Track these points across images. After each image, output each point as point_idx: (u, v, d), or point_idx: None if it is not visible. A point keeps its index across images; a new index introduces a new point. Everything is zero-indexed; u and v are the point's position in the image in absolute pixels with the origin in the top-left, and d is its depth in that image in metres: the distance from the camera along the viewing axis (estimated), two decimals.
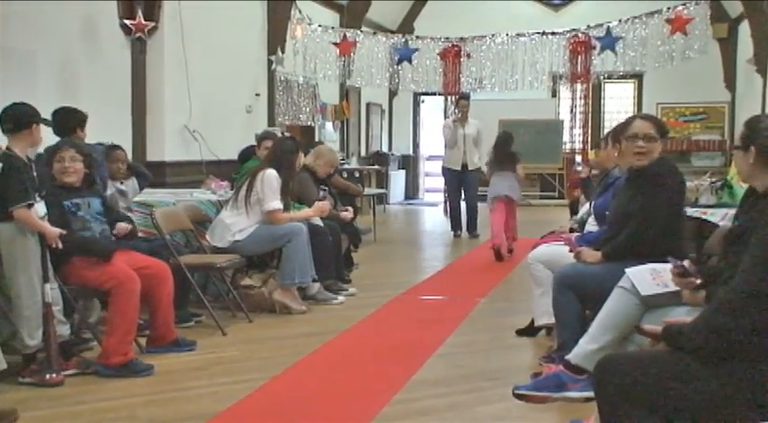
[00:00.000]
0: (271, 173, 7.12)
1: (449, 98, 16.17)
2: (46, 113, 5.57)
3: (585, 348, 4.01)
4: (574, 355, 4.06)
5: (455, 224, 13.00)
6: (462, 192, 12.83)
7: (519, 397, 4.07)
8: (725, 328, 2.62)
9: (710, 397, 2.63)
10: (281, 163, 7.28)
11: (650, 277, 3.89)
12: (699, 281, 3.40)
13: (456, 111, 12.99)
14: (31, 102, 5.35)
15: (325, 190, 8.52)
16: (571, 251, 5.13)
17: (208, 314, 6.50)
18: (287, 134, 8.98)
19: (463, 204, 12.89)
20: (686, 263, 3.47)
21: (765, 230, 2.69)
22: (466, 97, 13.09)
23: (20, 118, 5.18)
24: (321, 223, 7.68)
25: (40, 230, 5.05)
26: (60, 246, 5.12)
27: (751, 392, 2.61)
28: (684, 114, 18.87)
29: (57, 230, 5.11)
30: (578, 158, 16.30)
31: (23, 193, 4.96)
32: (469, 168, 12.70)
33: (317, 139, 13.99)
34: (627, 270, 4.01)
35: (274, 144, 7.68)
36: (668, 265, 3.61)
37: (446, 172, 13.08)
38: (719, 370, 2.64)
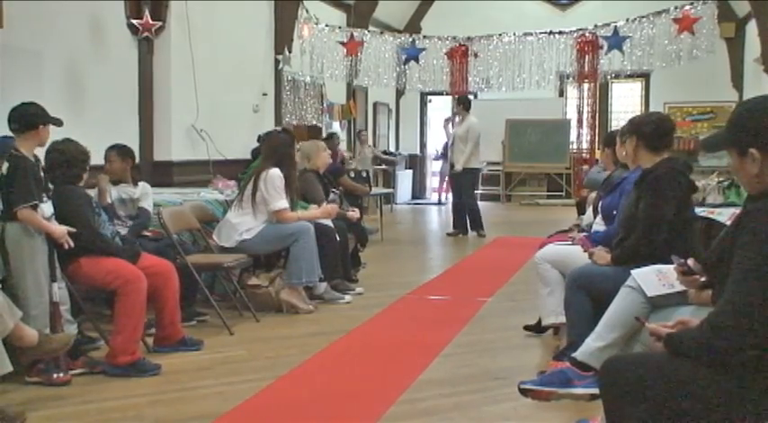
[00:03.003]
0: (274, 172, 7.11)
1: (455, 98, 16.17)
2: (54, 114, 5.53)
3: (592, 346, 4.01)
4: (580, 353, 4.06)
5: (453, 222, 13.16)
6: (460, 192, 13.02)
7: (524, 392, 4.06)
8: (719, 349, 2.61)
9: (713, 400, 2.62)
10: (279, 159, 7.26)
11: (656, 278, 3.88)
12: (703, 279, 3.39)
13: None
14: (36, 101, 5.35)
15: (336, 192, 8.52)
16: (585, 251, 5.14)
17: (215, 313, 6.50)
18: (278, 128, 8.92)
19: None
20: (690, 261, 3.46)
21: (748, 238, 2.65)
22: (460, 99, 13.21)
23: (26, 118, 5.19)
24: (329, 223, 7.68)
25: (44, 230, 5.06)
26: (72, 244, 5.13)
27: (751, 396, 2.60)
28: (692, 114, 18.84)
29: (63, 228, 5.12)
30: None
31: (27, 194, 4.97)
32: (455, 168, 12.84)
33: (334, 134, 14.11)
34: (633, 272, 4.01)
35: (268, 140, 7.64)
36: (674, 266, 3.60)
37: None
38: (722, 374, 2.62)
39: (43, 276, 5.03)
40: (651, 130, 4.78)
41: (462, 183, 12.92)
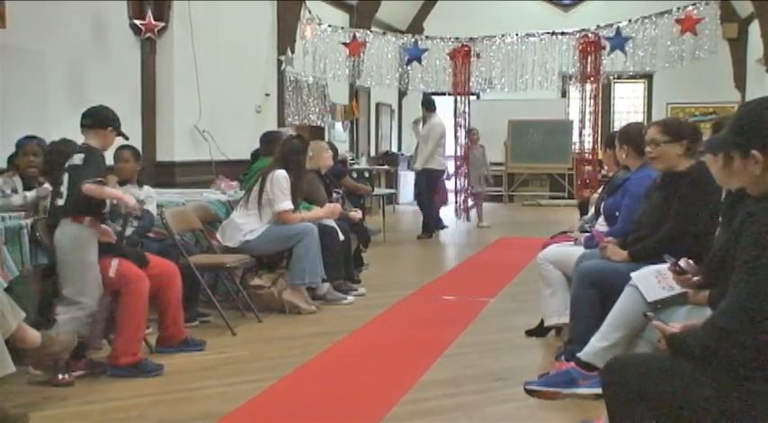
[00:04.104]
0: (280, 173, 7.12)
1: (458, 98, 16.14)
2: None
3: (596, 346, 4.02)
4: (585, 353, 4.07)
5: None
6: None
7: (530, 393, 4.06)
8: (721, 350, 2.60)
9: (715, 400, 2.62)
10: (289, 164, 7.27)
11: (655, 280, 3.90)
12: (696, 278, 3.40)
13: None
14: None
15: (339, 192, 8.52)
16: (591, 247, 5.14)
17: (217, 314, 6.50)
18: (292, 133, 8.94)
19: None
20: (682, 261, 3.48)
21: (750, 240, 2.64)
22: (423, 99, 13.64)
23: (100, 117, 5.35)
24: (332, 223, 7.68)
25: (112, 197, 5.18)
26: (113, 238, 5.31)
27: (752, 398, 2.60)
28: (694, 114, 18.81)
29: (133, 200, 5.34)
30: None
31: (97, 174, 5.06)
32: (414, 167, 13.21)
33: (326, 140, 14.01)
34: (632, 274, 4.02)
35: (281, 145, 7.67)
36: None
37: None
38: (723, 375, 2.62)
39: (94, 282, 5.10)
40: (695, 138, 4.76)
41: (417, 183, 13.19)
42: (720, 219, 3.66)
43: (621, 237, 5.06)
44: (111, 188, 5.21)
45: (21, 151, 6.28)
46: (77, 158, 5.11)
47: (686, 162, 4.73)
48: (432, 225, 13.09)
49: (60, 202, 5.12)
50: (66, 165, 5.14)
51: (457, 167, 15.41)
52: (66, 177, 5.11)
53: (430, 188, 13.14)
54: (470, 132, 15.28)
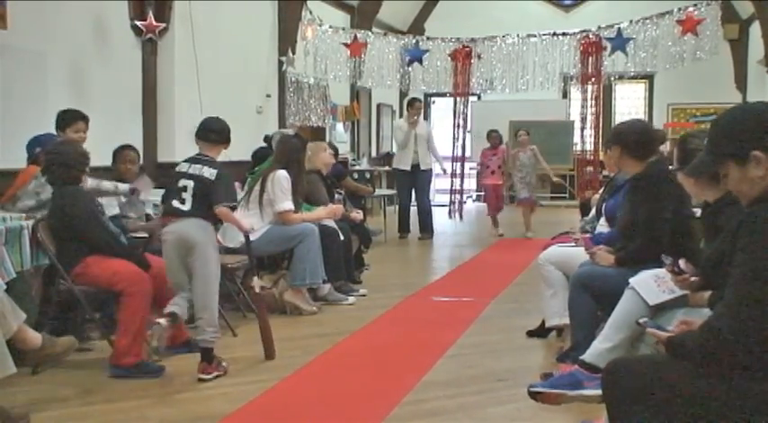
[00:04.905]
0: (281, 174, 7.13)
1: (459, 99, 16.14)
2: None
3: (599, 347, 4.03)
4: (588, 355, 4.08)
5: (402, 225, 13.28)
6: (414, 193, 13.17)
7: (534, 395, 4.05)
8: (719, 352, 2.59)
9: (714, 402, 2.62)
10: (289, 162, 7.28)
11: (655, 285, 3.90)
12: (693, 278, 3.40)
13: (408, 112, 13.32)
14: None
15: (341, 194, 8.51)
16: (587, 250, 5.15)
17: (218, 315, 6.48)
18: (291, 132, 8.92)
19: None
20: (681, 262, 3.48)
21: (748, 241, 2.63)
22: (419, 100, 13.64)
23: (227, 134, 5.64)
24: (332, 224, 7.68)
25: (235, 223, 5.79)
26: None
27: (751, 399, 2.60)
28: (695, 115, 18.84)
29: (249, 224, 5.93)
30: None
31: (231, 196, 5.46)
32: (422, 168, 13.03)
33: (327, 141, 13.99)
34: (631, 280, 4.04)
35: (281, 144, 7.66)
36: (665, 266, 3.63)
37: (397, 173, 13.42)
38: (722, 376, 2.62)
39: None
40: (635, 140, 4.79)
41: (422, 184, 13.18)
42: (705, 227, 3.67)
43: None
44: (236, 217, 5.66)
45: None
46: (208, 172, 5.35)
47: (637, 165, 4.78)
48: (432, 225, 13.11)
49: (181, 205, 5.35)
50: (194, 173, 5.37)
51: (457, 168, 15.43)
52: (192, 185, 5.33)
53: (428, 187, 13.18)
54: (518, 133, 14.32)
